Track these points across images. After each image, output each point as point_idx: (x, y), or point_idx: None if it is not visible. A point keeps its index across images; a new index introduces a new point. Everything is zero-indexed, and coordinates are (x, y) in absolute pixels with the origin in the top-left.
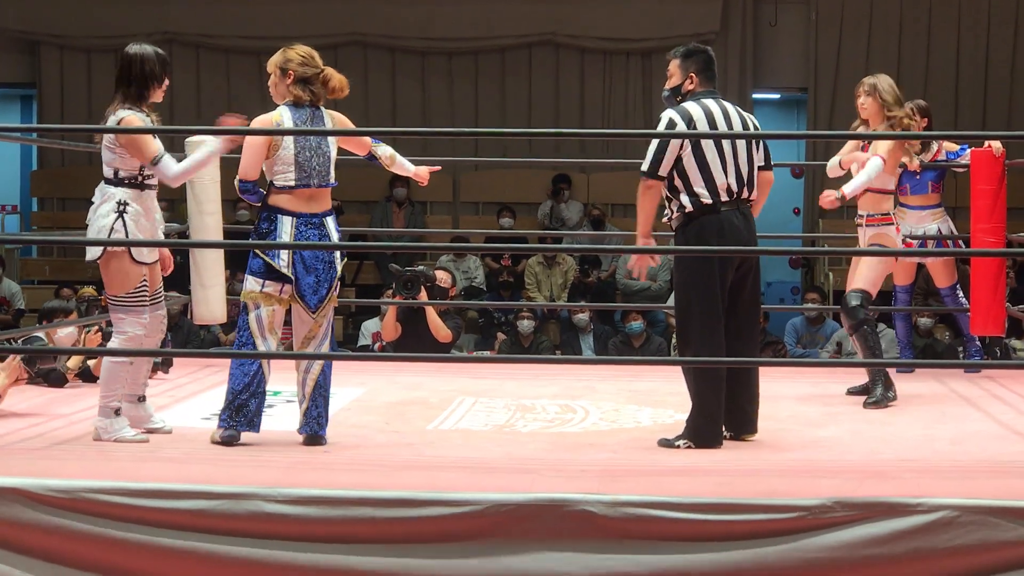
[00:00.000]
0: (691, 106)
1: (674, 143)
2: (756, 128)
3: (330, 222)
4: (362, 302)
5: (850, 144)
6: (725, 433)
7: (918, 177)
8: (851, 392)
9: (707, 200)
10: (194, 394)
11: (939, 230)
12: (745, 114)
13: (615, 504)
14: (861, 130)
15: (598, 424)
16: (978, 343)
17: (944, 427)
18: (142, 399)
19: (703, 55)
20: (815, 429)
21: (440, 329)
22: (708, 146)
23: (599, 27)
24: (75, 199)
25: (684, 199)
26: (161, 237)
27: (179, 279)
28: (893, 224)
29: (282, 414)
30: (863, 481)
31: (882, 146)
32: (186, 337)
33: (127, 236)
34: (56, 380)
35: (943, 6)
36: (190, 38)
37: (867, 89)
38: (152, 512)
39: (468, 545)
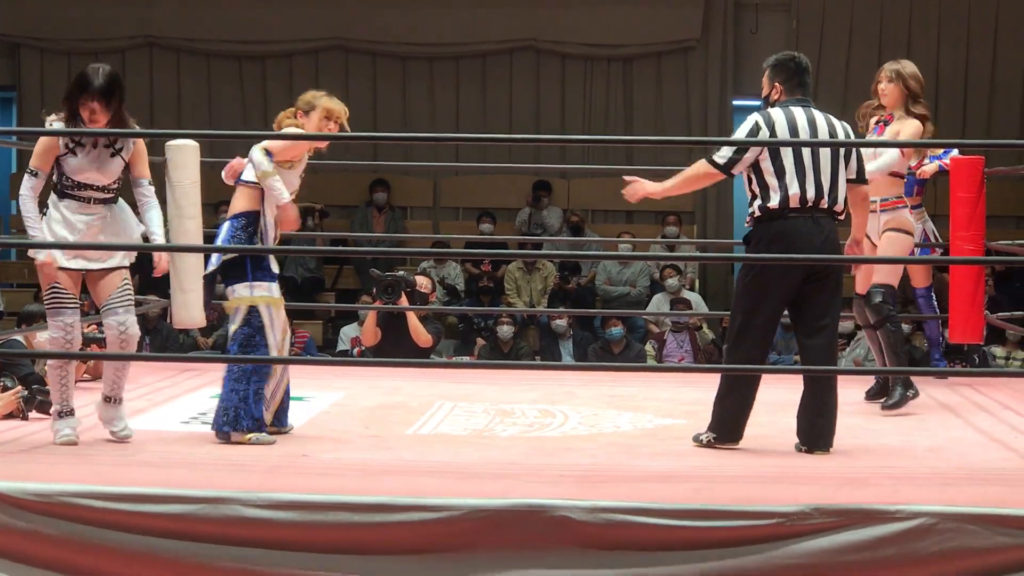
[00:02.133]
0: (776, 111)
1: (753, 149)
2: (848, 137)
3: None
4: (342, 307)
5: None
6: (800, 447)
7: (904, 181)
8: (869, 397)
9: (774, 206)
10: (173, 398)
11: (923, 230)
12: (837, 123)
13: (594, 510)
14: (868, 113)
15: (577, 429)
16: (940, 354)
17: (923, 434)
18: (110, 400)
19: (788, 64)
20: (794, 435)
21: (421, 334)
22: (787, 153)
23: (580, 33)
24: None
25: (756, 204)
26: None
27: (158, 283)
28: (907, 206)
29: None
30: (841, 488)
31: (908, 130)
32: (165, 341)
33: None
34: (44, 407)
35: (923, 17)
36: (171, 42)
37: (889, 75)
38: (130, 516)
39: (446, 551)
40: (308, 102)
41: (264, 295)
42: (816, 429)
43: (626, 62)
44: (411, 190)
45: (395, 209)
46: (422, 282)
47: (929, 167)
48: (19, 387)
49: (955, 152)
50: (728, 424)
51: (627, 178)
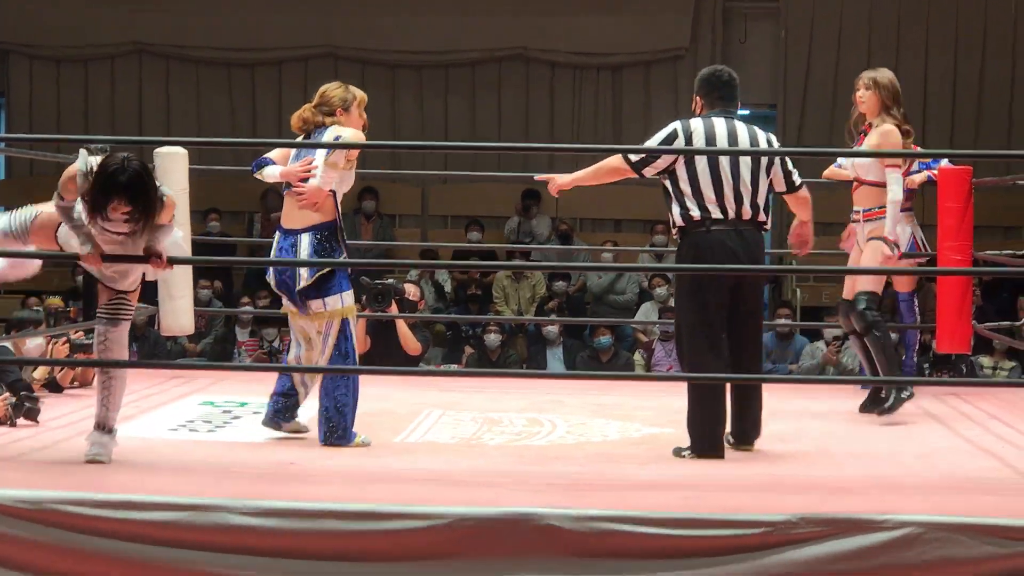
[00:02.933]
0: (695, 121)
1: (664, 149)
2: (770, 146)
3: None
4: None
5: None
6: (728, 438)
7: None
8: (864, 410)
9: (696, 216)
10: (161, 405)
11: (912, 233)
12: (760, 133)
13: (581, 519)
14: (853, 124)
15: (565, 438)
16: (914, 360)
17: (910, 443)
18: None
19: (709, 78)
20: (783, 444)
21: (410, 342)
22: (702, 163)
23: (569, 42)
24: None
25: (677, 213)
26: None
27: (147, 289)
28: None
29: (247, 425)
30: (829, 497)
31: (888, 144)
32: (152, 348)
33: None
34: (33, 414)
35: (912, 26)
36: (160, 49)
37: (867, 83)
38: (117, 523)
39: (433, 559)
40: (343, 98)
41: (350, 305)
42: (744, 428)
43: (615, 71)
44: (399, 198)
45: (383, 217)
46: (411, 290)
47: (918, 176)
48: (7, 394)
49: (945, 162)
50: (703, 439)
51: (539, 177)
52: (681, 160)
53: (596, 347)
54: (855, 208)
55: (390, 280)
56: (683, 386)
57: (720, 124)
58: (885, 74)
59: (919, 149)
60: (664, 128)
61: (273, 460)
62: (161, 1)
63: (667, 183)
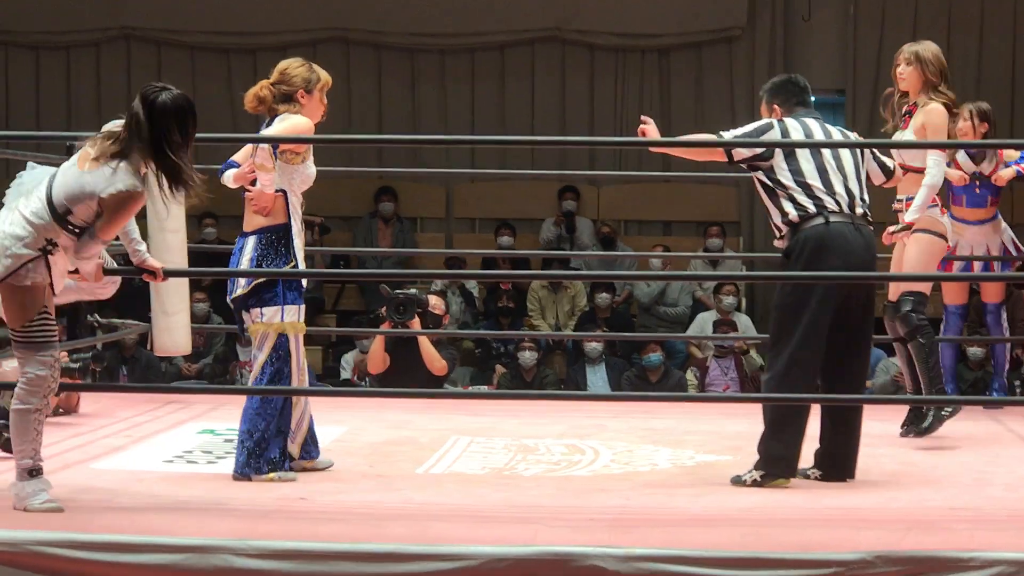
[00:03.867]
0: (789, 120)
1: (767, 139)
2: (855, 152)
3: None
4: (344, 331)
5: None
6: (814, 472)
7: (977, 191)
8: (905, 433)
9: (811, 208)
10: (155, 433)
11: (1002, 244)
12: (850, 133)
13: (628, 558)
14: (893, 103)
15: (609, 467)
16: (1004, 379)
17: (999, 471)
18: (32, 472)
19: (786, 85)
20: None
21: (435, 360)
22: (805, 158)
23: (610, 22)
24: None
25: (788, 210)
26: None
27: (138, 306)
28: (938, 204)
29: None
30: (908, 532)
31: (935, 128)
32: (144, 370)
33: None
34: (11, 446)
35: (998, 1)
36: (151, 34)
37: (907, 57)
38: (106, 567)
39: None
40: (306, 79)
41: (293, 320)
42: (839, 459)
43: (662, 53)
44: (421, 199)
45: (403, 220)
46: (435, 302)
47: (1006, 172)
48: None
49: None
50: (779, 460)
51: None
52: (780, 155)
53: (644, 365)
54: (898, 197)
55: (412, 291)
56: (740, 408)
57: (814, 124)
58: (929, 47)
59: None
60: (754, 122)
61: (281, 495)
62: None
63: (765, 180)
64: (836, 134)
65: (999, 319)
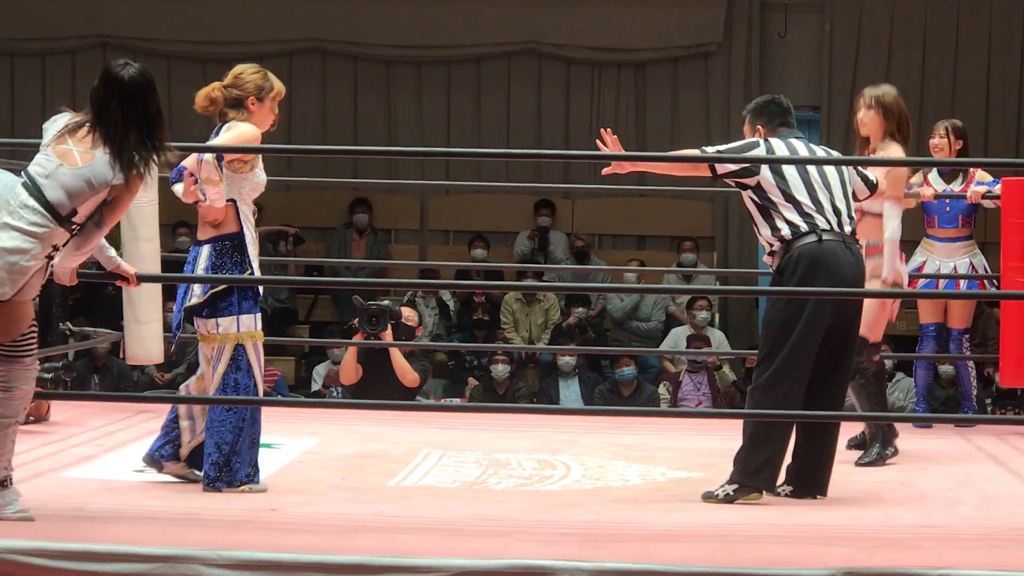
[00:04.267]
0: (774, 140)
1: (750, 155)
2: (842, 169)
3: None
4: (316, 342)
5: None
6: (784, 489)
7: (948, 210)
8: (851, 446)
9: (803, 227)
10: (126, 443)
11: (971, 264)
12: (833, 152)
13: (598, 572)
14: (859, 149)
15: (580, 482)
16: (973, 402)
17: (969, 489)
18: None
19: (769, 106)
20: (828, 489)
21: (406, 372)
22: (792, 176)
23: (587, 35)
24: None
25: (776, 223)
26: None
27: (110, 314)
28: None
29: None
30: (878, 550)
31: (891, 179)
32: (116, 379)
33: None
34: None
35: (972, 17)
36: (127, 42)
37: (868, 102)
38: None
39: None
40: (259, 86)
41: (250, 330)
42: (816, 473)
43: (638, 68)
44: (396, 211)
45: (378, 232)
46: (408, 314)
47: (979, 189)
48: None
49: None
50: (755, 473)
51: (606, 171)
52: (768, 173)
53: (617, 379)
54: (858, 240)
55: (386, 302)
56: (713, 424)
57: (799, 145)
58: (889, 92)
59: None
60: (739, 140)
61: (251, 506)
62: None
63: (754, 197)
64: (821, 154)
65: (960, 346)
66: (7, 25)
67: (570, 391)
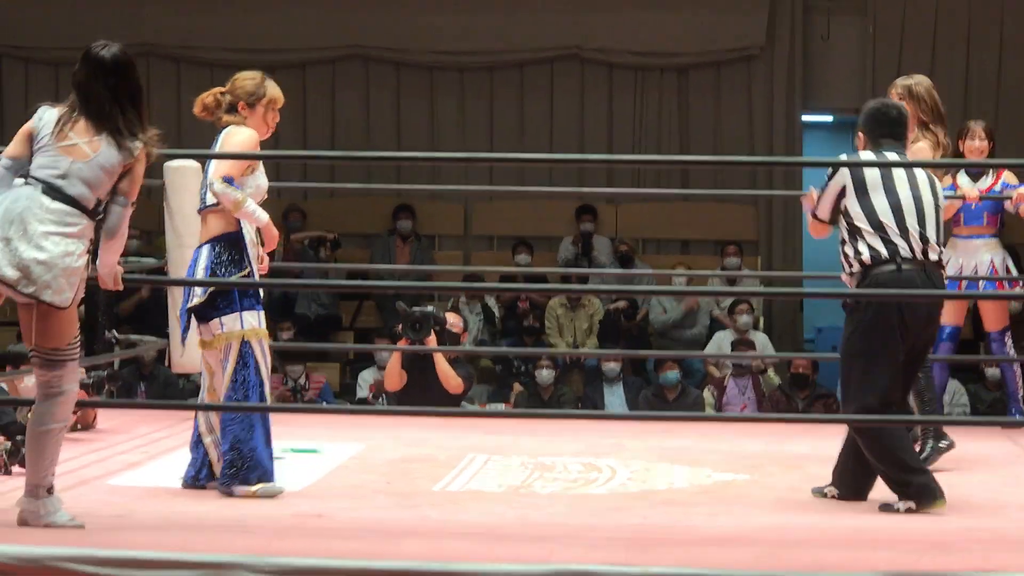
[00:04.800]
0: (864, 154)
1: (834, 185)
2: (935, 189)
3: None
4: (361, 348)
5: None
6: (830, 490)
7: (973, 207)
8: None
9: (884, 254)
10: (171, 450)
11: (991, 262)
12: (934, 177)
13: None
14: None
15: (626, 485)
16: (1021, 403)
17: (1017, 491)
18: (40, 491)
19: (874, 113)
20: (872, 492)
21: (450, 378)
22: (877, 195)
23: (629, 40)
24: None
25: (859, 247)
26: None
27: (155, 321)
28: None
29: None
30: (924, 553)
31: (917, 156)
32: (163, 387)
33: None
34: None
35: (1017, 17)
36: (170, 50)
37: (900, 93)
38: None
39: None
40: (249, 92)
41: (254, 326)
42: (861, 478)
43: (681, 72)
44: (439, 217)
45: (421, 238)
46: (453, 320)
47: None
48: (2, 438)
49: None
50: (923, 488)
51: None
52: (852, 195)
53: (662, 383)
54: None
55: (429, 308)
56: (758, 427)
57: (893, 159)
58: (922, 82)
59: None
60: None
61: (297, 512)
62: (170, 0)
63: (843, 221)
64: (921, 176)
65: (1003, 346)
66: (51, 35)
67: (615, 396)
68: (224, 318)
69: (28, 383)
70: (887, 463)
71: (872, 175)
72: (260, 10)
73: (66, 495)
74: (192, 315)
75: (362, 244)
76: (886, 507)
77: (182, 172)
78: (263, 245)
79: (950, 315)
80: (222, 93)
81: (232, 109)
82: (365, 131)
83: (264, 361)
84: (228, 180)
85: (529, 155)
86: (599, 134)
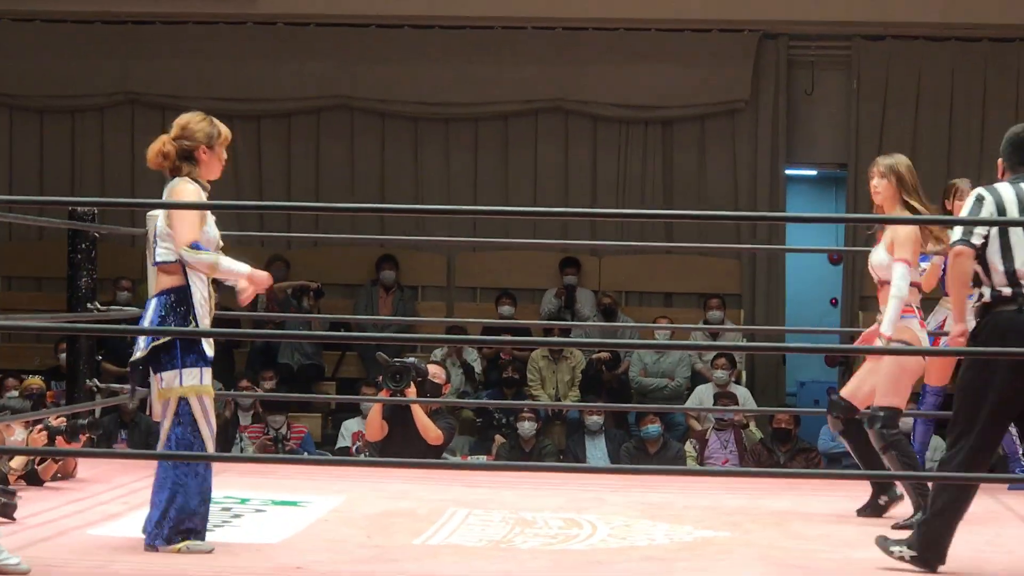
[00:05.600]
0: (1003, 186)
1: (986, 214)
2: None
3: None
4: (343, 398)
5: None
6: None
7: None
8: (861, 513)
9: (1007, 292)
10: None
11: None
12: None
13: None
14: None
15: (607, 541)
16: (1022, 461)
17: (998, 551)
18: None
19: (1012, 138)
20: (848, 550)
21: (429, 430)
22: (1016, 232)
23: (614, 93)
24: (22, 278)
25: (985, 288)
26: None
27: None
28: (916, 316)
29: (250, 524)
30: None
31: (901, 240)
32: (144, 436)
33: None
34: (8, 511)
35: (999, 75)
36: (155, 99)
37: (881, 171)
38: None
39: None
40: (208, 134)
41: (194, 384)
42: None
43: (665, 125)
44: (423, 267)
45: (404, 289)
46: (435, 371)
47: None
48: None
49: None
50: (935, 545)
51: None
52: (994, 231)
53: (643, 436)
54: (880, 307)
55: (411, 359)
56: (740, 482)
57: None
58: (902, 162)
59: None
60: (969, 197)
61: (276, 564)
62: (156, 49)
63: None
64: None
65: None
66: (37, 83)
67: (596, 448)
68: (164, 374)
69: (18, 437)
70: (944, 510)
71: (1012, 205)
72: (246, 59)
73: (43, 545)
74: (142, 368)
75: (345, 294)
76: (882, 542)
77: None
78: (240, 294)
79: (937, 375)
80: (174, 139)
81: (187, 155)
82: (349, 180)
83: (206, 419)
84: (195, 246)
85: (513, 208)
86: (583, 186)
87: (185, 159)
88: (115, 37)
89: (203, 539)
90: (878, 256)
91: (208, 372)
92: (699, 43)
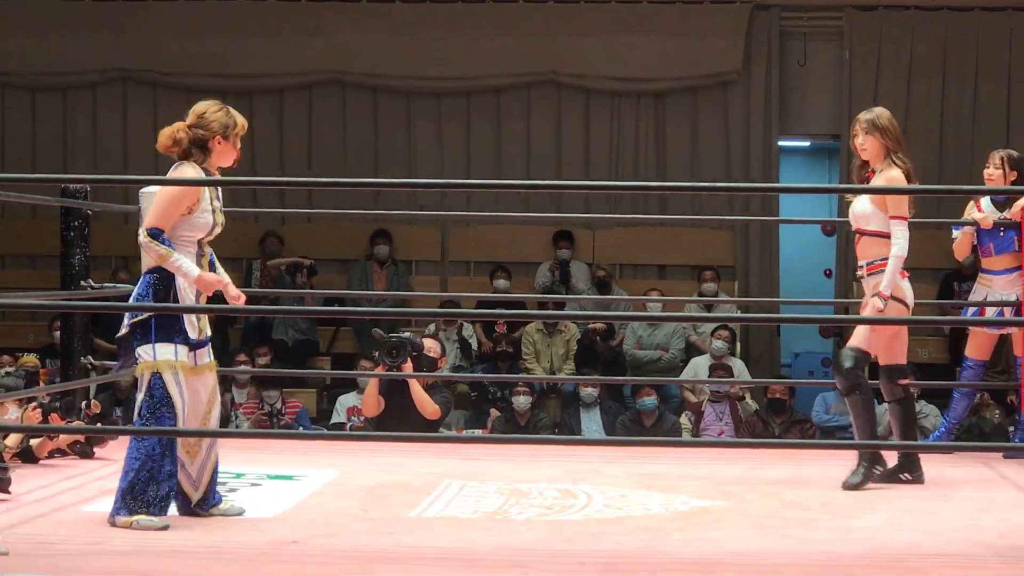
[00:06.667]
0: None
1: None
2: None
3: None
4: (338, 373)
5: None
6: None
7: (1002, 234)
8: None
9: None
10: None
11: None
12: None
13: None
14: (857, 172)
15: (602, 511)
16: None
17: (992, 517)
18: None
19: None
20: (847, 519)
21: (426, 404)
22: None
23: (606, 65)
24: (15, 256)
25: None
26: None
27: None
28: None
29: (244, 499)
30: None
31: (896, 199)
32: None
33: None
34: (3, 485)
35: (991, 42)
36: (147, 75)
37: (865, 127)
38: None
39: None
40: (224, 124)
41: (168, 359)
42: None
43: (658, 97)
44: (416, 242)
45: (398, 263)
46: (430, 345)
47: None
48: None
49: None
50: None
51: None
52: None
53: (639, 409)
54: (859, 262)
55: (407, 334)
56: (735, 453)
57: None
58: (883, 115)
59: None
60: None
61: (272, 539)
62: (148, 25)
63: None
64: None
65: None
66: (28, 60)
67: (592, 421)
68: (141, 348)
69: (12, 415)
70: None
71: None
72: (237, 36)
73: (40, 521)
74: (127, 342)
75: (339, 269)
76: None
77: None
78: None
79: (978, 349)
80: (190, 127)
81: (201, 144)
82: (342, 156)
83: (179, 394)
84: (154, 233)
85: (506, 182)
86: (576, 159)
87: (198, 147)
88: (107, 13)
89: (161, 514)
90: (861, 205)
91: (186, 351)
92: (691, 15)
